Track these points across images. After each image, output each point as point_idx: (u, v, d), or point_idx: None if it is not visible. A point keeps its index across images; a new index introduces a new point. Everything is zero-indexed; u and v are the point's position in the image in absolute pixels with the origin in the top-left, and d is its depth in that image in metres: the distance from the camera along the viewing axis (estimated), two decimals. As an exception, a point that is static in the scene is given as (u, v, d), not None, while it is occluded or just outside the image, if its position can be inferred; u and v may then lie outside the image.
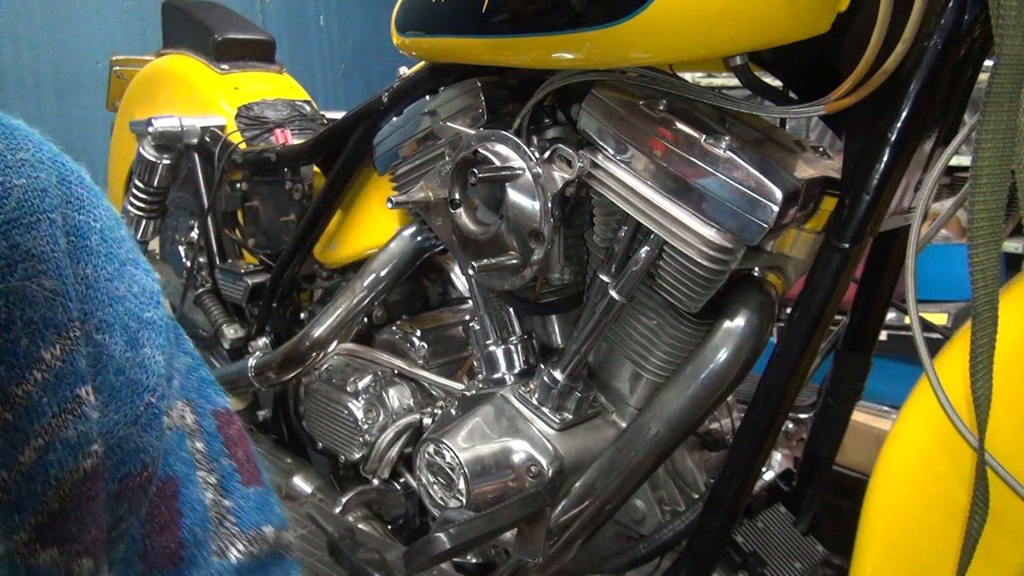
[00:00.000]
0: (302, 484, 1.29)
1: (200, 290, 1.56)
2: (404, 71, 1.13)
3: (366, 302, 1.17)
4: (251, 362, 1.30)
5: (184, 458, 0.44)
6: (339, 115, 1.32)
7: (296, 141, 1.49)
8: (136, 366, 0.40)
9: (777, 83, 0.81)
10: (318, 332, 1.19)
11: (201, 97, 1.60)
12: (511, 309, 1.01)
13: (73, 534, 0.37)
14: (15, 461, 0.35)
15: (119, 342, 0.40)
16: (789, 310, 0.80)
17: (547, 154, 0.85)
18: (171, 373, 0.44)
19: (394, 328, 1.24)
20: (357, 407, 1.18)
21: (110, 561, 0.41)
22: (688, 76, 0.94)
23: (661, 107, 0.79)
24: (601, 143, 0.82)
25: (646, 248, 0.82)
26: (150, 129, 1.51)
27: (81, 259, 0.38)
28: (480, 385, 1.00)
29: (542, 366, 0.93)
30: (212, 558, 0.45)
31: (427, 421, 1.15)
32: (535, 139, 0.93)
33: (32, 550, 0.36)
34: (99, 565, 0.38)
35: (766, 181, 0.72)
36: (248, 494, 0.47)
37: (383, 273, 1.15)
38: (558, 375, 0.90)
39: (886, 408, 1.46)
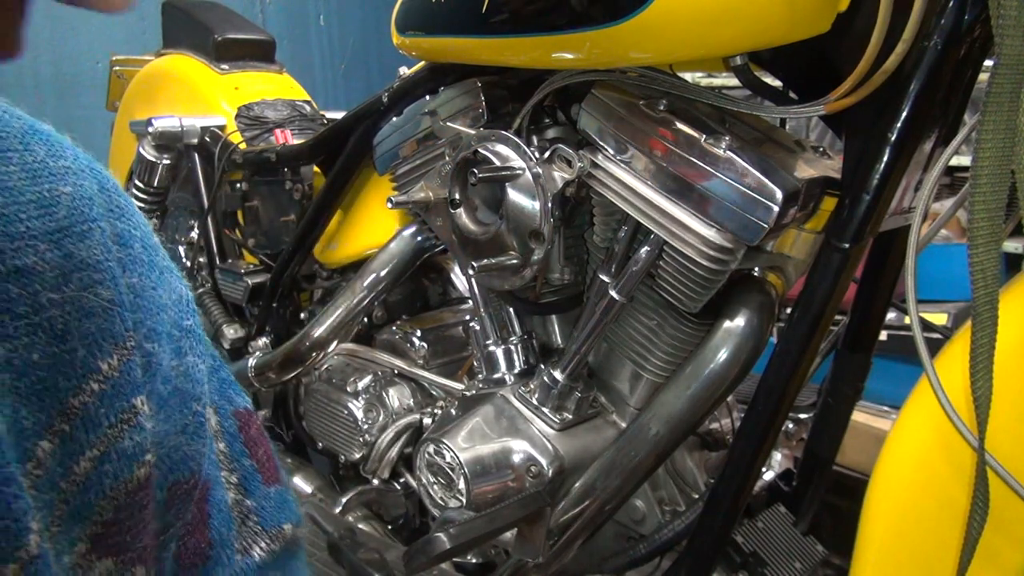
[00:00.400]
0: (302, 484, 1.29)
1: (200, 290, 1.56)
2: (404, 71, 1.13)
3: (366, 302, 1.17)
4: (251, 362, 1.30)
5: (213, 460, 0.44)
6: (339, 115, 1.32)
7: (296, 141, 1.49)
8: (181, 375, 0.40)
9: (777, 83, 0.81)
10: (318, 332, 1.19)
11: (201, 97, 1.60)
12: (511, 309, 1.01)
13: (127, 543, 0.37)
14: (71, 472, 0.35)
15: (166, 351, 0.40)
16: (789, 310, 0.80)
17: (547, 154, 0.85)
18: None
19: (394, 328, 1.24)
20: (357, 407, 1.18)
21: (158, 566, 0.41)
22: (688, 76, 0.94)
23: (661, 107, 0.79)
24: (601, 143, 0.82)
25: (646, 248, 0.82)
26: (150, 129, 1.51)
27: (128, 267, 0.38)
28: (480, 385, 1.00)
29: (542, 366, 0.93)
30: (236, 556, 0.45)
31: (427, 421, 1.15)
32: (535, 139, 0.93)
33: (89, 561, 0.35)
34: (149, 573, 0.39)
35: (766, 181, 0.72)
36: (270, 493, 0.47)
37: (383, 273, 1.15)
38: (558, 375, 0.90)
39: (886, 408, 1.46)
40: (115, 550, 0.37)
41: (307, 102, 1.64)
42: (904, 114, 0.68)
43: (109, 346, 0.36)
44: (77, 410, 0.35)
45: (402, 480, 1.21)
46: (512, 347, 0.99)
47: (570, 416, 0.91)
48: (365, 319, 1.25)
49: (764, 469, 1.05)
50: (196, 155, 1.55)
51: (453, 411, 0.97)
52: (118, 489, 0.36)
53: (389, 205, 0.98)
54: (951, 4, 0.65)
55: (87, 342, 0.35)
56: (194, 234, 1.60)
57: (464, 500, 0.89)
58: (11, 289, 0.33)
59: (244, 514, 0.46)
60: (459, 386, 1.11)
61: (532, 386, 0.92)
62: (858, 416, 1.23)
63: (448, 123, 0.96)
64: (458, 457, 0.89)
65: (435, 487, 0.93)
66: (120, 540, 0.37)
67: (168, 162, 1.61)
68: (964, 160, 1.96)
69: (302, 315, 1.43)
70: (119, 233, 0.38)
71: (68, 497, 0.35)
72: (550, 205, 0.84)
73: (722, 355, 0.81)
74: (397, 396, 1.20)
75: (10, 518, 0.31)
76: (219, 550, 0.44)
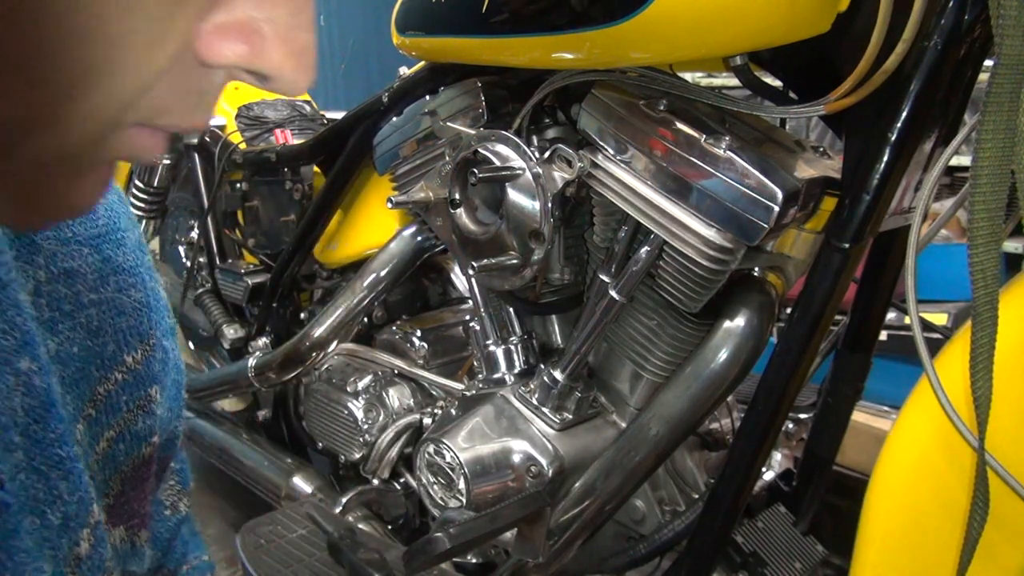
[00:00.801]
0: (302, 484, 1.29)
1: (200, 290, 1.56)
2: (404, 71, 1.13)
3: (366, 302, 1.17)
4: (251, 362, 1.30)
5: None
6: (339, 115, 1.32)
7: (296, 141, 1.49)
8: (174, 368, 0.45)
9: (777, 83, 0.81)
10: (318, 332, 1.19)
11: (201, 97, 1.60)
12: (511, 309, 1.01)
13: (134, 510, 0.42)
14: (95, 451, 0.39)
15: (173, 346, 0.45)
16: (789, 310, 0.80)
17: (547, 154, 0.85)
18: None
19: (394, 328, 1.24)
20: (357, 407, 1.18)
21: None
22: (688, 76, 0.94)
23: (661, 107, 0.78)
24: (601, 143, 0.82)
25: (646, 248, 0.82)
26: (150, 129, 1.51)
27: (151, 273, 0.43)
28: (480, 385, 1.00)
29: (542, 366, 0.93)
30: (166, 512, 0.50)
31: (427, 421, 1.15)
32: (535, 139, 0.93)
33: (107, 529, 0.40)
34: (148, 535, 0.44)
35: (766, 181, 0.72)
36: (183, 456, 0.52)
37: (383, 273, 1.15)
38: (558, 375, 0.90)
39: (886, 408, 1.46)
40: (124, 518, 0.41)
41: (307, 102, 1.64)
42: (904, 114, 0.68)
43: (135, 342, 0.41)
44: (102, 397, 0.39)
45: (402, 480, 1.21)
46: (512, 347, 0.99)
47: (570, 416, 0.91)
48: (365, 319, 1.25)
49: (764, 469, 1.05)
50: (196, 155, 1.55)
51: (453, 411, 0.97)
52: (127, 464, 0.41)
53: (389, 205, 0.98)
54: (951, 4, 0.65)
55: (117, 338, 0.40)
56: (194, 234, 1.60)
57: (464, 500, 0.89)
58: (60, 289, 0.37)
59: (168, 475, 0.51)
60: (459, 386, 1.11)
61: (532, 386, 0.92)
62: (858, 416, 1.23)
63: (448, 123, 0.96)
64: (458, 457, 0.89)
65: (435, 487, 0.93)
66: (128, 509, 0.41)
67: (168, 162, 1.61)
68: (964, 160, 1.96)
69: (302, 315, 1.43)
70: (140, 242, 0.43)
71: (93, 474, 0.38)
72: (550, 205, 0.84)
73: (722, 355, 0.81)
74: (397, 396, 1.20)
75: (83, 490, 0.36)
76: (154, 507, 0.49)
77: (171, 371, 0.45)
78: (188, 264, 1.59)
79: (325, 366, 1.26)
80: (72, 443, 0.36)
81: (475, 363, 1.03)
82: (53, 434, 0.35)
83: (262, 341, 1.41)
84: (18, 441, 0.34)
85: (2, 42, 0.20)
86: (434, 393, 1.20)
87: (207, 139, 1.53)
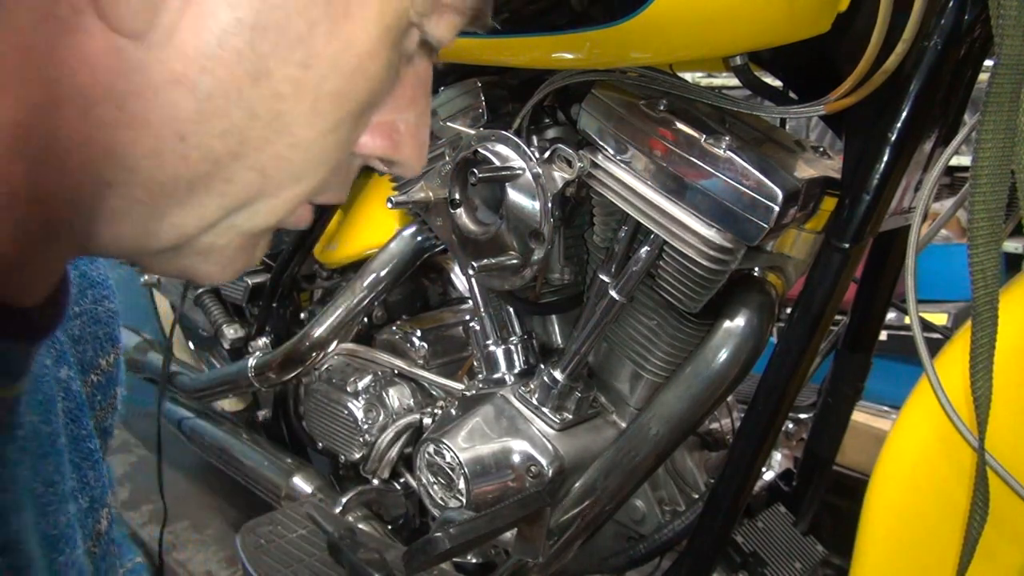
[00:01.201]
0: (302, 484, 1.29)
1: (200, 290, 1.56)
2: (404, 71, 1.13)
3: (366, 302, 1.17)
4: (251, 362, 1.30)
5: None
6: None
7: (296, 141, 1.49)
8: (118, 368, 0.49)
9: (777, 83, 0.81)
10: (318, 332, 1.19)
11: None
12: (511, 309, 1.01)
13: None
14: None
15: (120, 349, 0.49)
16: (789, 310, 0.80)
17: (547, 154, 0.85)
18: None
19: (394, 328, 1.24)
20: (357, 407, 1.18)
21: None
22: (688, 76, 0.94)
23: (661, 107, 0.78)
24: (601, 143, 0.82)
25: (646, 248, 0.82)
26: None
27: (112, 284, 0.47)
28: (480, 385, 1.00)
29: (542, 366, 0.93)
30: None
31: (427, 421, 1.15)
32: (535, 139, 0.93)
33: None
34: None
35: (766, 181, 0.72)
36: (110, 463, 0.56)
37: (383, 273, 1.15)
38: (558, 375, 0.90)
39: (886, 408, 1.46)
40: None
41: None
42: (904, 114, 0.68)
43: (108, 347, 0.45)
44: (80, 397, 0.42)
45: (402, 480, 1.21)
46: (512, 347, 0.99)
47: (570, 416, 0.91)
48: (365, 319, 1.25)
49: (764, 469, 1.05)
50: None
51: (453, 411, 0.97)
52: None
53: (389, 205, 0.97)
54: (951, 4, 0.65)
55: (95, 345, 0.44)
56: (194, 234, 1.60)
57: (464, 500, 0.89)
58: None
59: None
60: (459, 386, 1.10)
61: (532, 386, 0.92)
62: (858, 416, 1.23)
63: (448, 123, 0.96)
64: (458, 457, 0.89)
65: (435, 487, 0.93)
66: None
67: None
68: (964, 160, 1.96)
69: (302, 315, 1.43)
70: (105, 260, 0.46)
71: None
72: (550, 205, 0.84)
73: (722, 355, 0.81)
74: (397, 396, 1.20)
75: (103, 476, 0.41)
76: None
77: (120, 371, 0.48)
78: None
79: (325, 366, 1.26)
80: (95, 436, 0.41)
81: (475, 363, 1.03)
82: (85, 431, 0.40)
83: (262, 341, 1.41)
84: (63, 441, 0.39)
85: (251, 153, 0.28)
86: (434, 393, 1.20)
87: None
